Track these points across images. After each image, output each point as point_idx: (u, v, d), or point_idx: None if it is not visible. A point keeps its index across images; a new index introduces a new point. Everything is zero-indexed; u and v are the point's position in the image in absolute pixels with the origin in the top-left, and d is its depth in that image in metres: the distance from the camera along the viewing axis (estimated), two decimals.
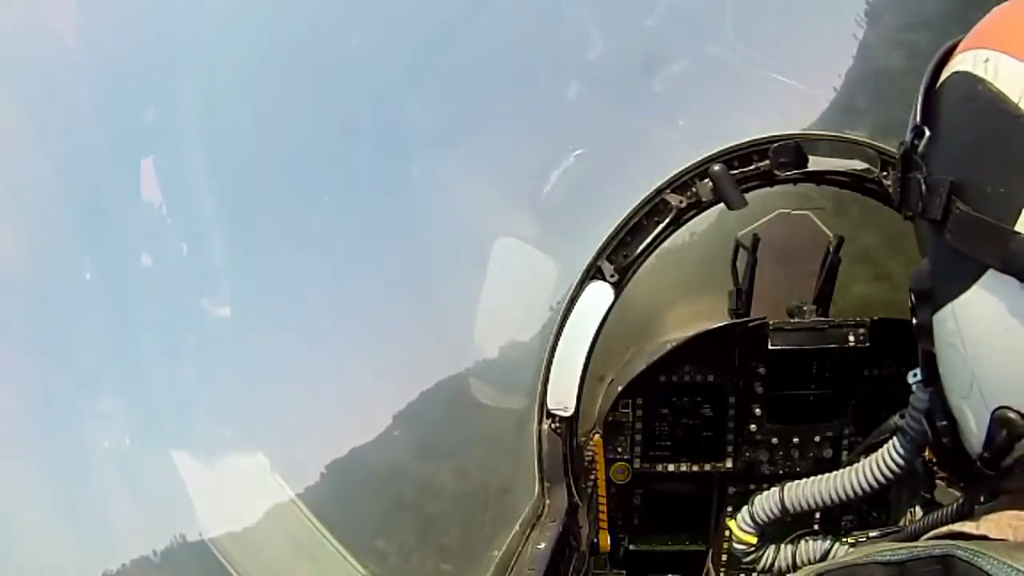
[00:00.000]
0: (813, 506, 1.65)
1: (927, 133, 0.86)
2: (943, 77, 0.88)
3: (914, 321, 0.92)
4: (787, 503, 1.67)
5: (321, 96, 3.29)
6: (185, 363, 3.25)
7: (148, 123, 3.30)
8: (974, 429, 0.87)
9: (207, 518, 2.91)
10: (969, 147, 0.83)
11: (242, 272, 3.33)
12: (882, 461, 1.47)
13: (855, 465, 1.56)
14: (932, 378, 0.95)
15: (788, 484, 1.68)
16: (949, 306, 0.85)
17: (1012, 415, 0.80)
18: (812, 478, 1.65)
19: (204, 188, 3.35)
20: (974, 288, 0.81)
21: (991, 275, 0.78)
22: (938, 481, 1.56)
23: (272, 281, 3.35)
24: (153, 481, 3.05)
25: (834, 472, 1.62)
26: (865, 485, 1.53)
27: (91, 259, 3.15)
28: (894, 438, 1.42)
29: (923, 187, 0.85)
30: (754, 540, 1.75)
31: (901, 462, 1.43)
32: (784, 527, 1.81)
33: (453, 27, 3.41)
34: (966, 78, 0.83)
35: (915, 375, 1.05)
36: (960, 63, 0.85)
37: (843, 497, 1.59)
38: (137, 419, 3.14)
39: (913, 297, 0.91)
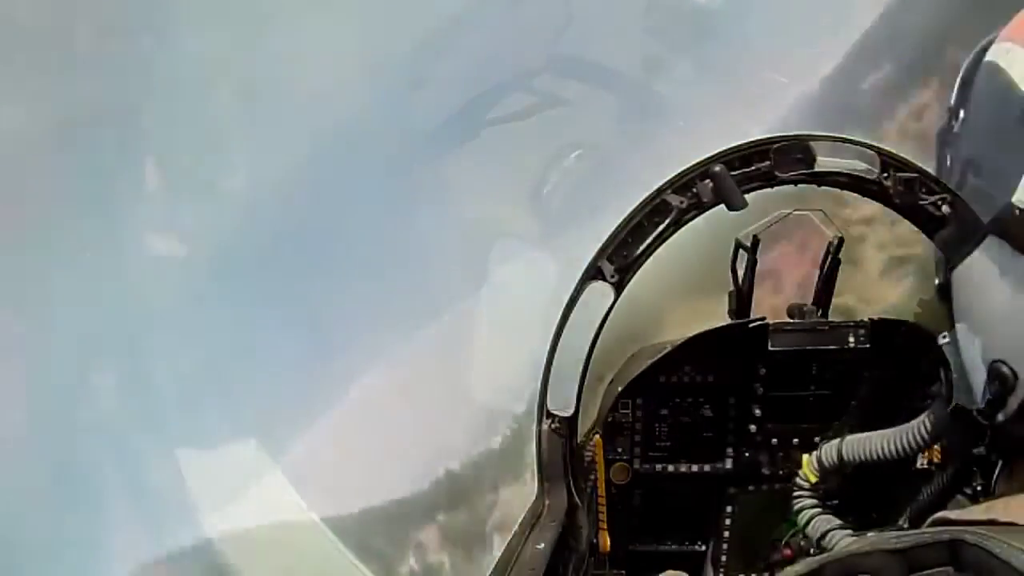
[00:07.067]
0: (865, 459, 1.76)
1: (961, 114, 1.00)
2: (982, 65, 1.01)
3: (936, 282, 1.06)
4: (844, 454, 1.79)
5: (320, 97, 3.29)
6: (186, 363, 3.25)
7: (145, 123, 3.30)
8: (980, 383, 0.96)
9: (207, 517, 2.91)
10: (984, 127, 0.96)
11: (242, 272, 3.33)
12: (926, 420, 1.61)
13: (909, 423, 1.68)
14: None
15: (848, 437, 1.81)
16: (961, 266, 0.97)
17: (1004, 369, 0.89)
18: (869, 433, 1.77)
19: (204, 187, 3.36)
20: (977, 251, 0.92)
21: (989, 239, 0.90)
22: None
23: (272, 280, 3.35)
24: (154, 480, 3.05)
25: (890, 429, 1.73)
26: (913, 444, 1.65)
27: (91, 257, 3.14)
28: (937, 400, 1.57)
29: (948, 162, 1.00)
30: (815, 479, 1.88)
31: (938, 424, 1.57)
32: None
33: (453, 27, 3.40)
34: (992, 66, 0.95)
35: (944, 336, 1.16)
36: (990, 54, 0.97)
37: (894, 454, 1.70)
38: (138, 416, 3.14)
39: (940, 258, 1.06)
